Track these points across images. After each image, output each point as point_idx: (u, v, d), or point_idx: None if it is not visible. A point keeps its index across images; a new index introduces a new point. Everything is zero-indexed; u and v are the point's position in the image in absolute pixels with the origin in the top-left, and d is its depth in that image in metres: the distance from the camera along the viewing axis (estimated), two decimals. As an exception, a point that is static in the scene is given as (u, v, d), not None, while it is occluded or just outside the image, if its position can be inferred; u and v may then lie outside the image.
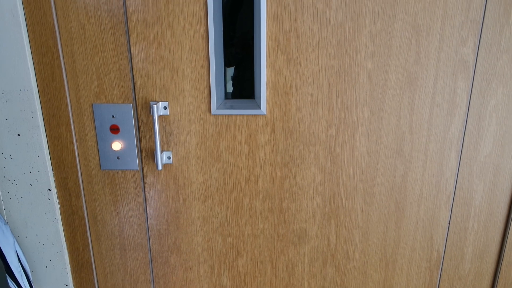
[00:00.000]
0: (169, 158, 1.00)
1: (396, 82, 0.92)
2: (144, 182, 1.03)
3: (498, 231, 1.04)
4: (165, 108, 0.96)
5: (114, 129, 0.98)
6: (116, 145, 0.98)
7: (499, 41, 0.88)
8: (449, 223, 1.04)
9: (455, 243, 1.06)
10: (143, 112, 0.97)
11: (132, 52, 0.93)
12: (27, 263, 1.08)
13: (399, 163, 0.99)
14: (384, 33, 0.89)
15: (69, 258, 1.10)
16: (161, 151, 0.99)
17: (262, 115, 0.96)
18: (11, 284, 1.00)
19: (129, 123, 0.97)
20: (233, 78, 1.28)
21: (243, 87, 1.24)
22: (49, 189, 1.01)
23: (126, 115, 0.97)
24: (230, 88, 1.26)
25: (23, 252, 1.06)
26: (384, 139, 0.97)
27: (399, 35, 0.89)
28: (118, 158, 1.00)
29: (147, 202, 1.05)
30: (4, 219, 1.04)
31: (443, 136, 0.96)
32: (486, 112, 0.94)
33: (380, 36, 0.89)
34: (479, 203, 1.02)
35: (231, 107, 0.96)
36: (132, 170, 1.02)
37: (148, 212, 1.06)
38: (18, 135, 0.97)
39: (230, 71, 1.26)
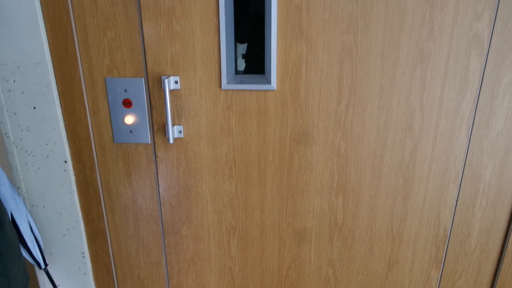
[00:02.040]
0: (180, 132, 1.02)
1: (408, 57, 0.91)
2: (156, 156, 1.06)
3: (507, 208, 1.04)
4: (176, 82, 0.97)
5: (127, 103, 0.99)
6: (129, 119, 1.00)
7: (516, 15, 0.86)
8: (456, 200, 1.04)
9: (462, 219, 1.07)
10: (155, 86, 0.98)
11: (143, 27, 0.93)
12: (44, 231, 1.13)
13: (408, 140, 0.99)
14: (397, 7, 0.87)
15: (84, 228, 1.15)
16: (173, 125, 1.00)
17: (272, 90, 0.97)
18: (24, 253, 1.05)
19: (141, 97, 0.99)
20: (245, 55, 1.28)
21: (255, 64, 1.24)
22: (65, 161, 1.05)
23: (138, 89, 0.98)
24: (241, 66, 1.26)
25: (35, 222, 1.11)
26: (394, 115, 0.97)
27: (412, 9, 0.87)
28: (130, 131, 1.02)
29: (158, 175, 1.08)
30: (22, 189, 1.08)
31: (454, 113, 0.95)
32: (499, 89, 0.92)
33: (393, 10, 0.88)
34: (489, 180, 1.02)
35: (241, 82, 0.96)
36: (144, 143, 1.04)
37: (160, 184, 1.09)
38: (34, 108, 0.99)
39: (242, 48, 1.26)
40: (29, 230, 1.04)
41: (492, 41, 0.88)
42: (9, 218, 0.97)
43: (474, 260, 1.11)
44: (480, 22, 0.87)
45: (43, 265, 1.10)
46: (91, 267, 1.20)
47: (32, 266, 1.18)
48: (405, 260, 1.13)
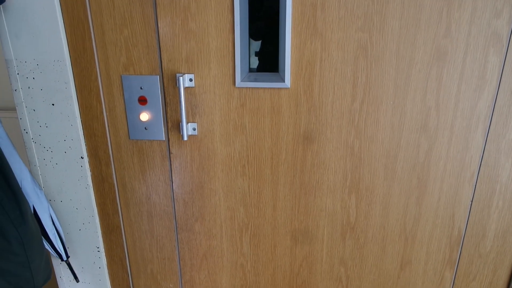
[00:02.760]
0: (194, 129, 1.03)
1: (424, 56, 0.90)
2: (170, 152, 1.07)
3: (524, 210, 1.03)
4: (190, 80, 0.98)
5: (142, 100, 1.01)
6: (144, 116, 1.02)
7: (536, 13, 0.84)
8: (472, 201, 1.03)
9: (477, 220, 1.05)
10: (169, 84, 1.00)
11: (159, 25, 0.94)
12: (61, 226, 1.16)
13: (423, 139, 0.98)
14: (414, 4, 0.86)
15: (100, 222, 1.17)
16: (187, 123, 1.02)
17: (286, 88, 0.97)
18: (46, 245, 1.08)
19: (156, 95, 1.00)
20: (258, 53, 1.28)
21: (268, 62, 1.24)
22: (81, 157, 1.07)
23: (153, 86, 0.99)
24: (254, 64, 1.26)
25: (56, 216, 1.13)
26: (409, 114, 0.96)
27: (429, 6, 0.86)
28: (145, 128, 1.04)
29: (172, 172, 1.09)
30: (40, 184, 1.11)
31: (470, 112, 0.94)
32: (517, 88, 0.91)
33: (409, 7, 0.87)
34: (506, 181, 1.00)
35: (255, 80, 0.96)
36: (159, 140, 1.06)
37: (173, 181, 1.11)
38: (53, 104, 1.02)
39: (255, 46, 1.26)
40: (51, 223, 1.07)
41: (511, 39, 0.87)
42: (31, 211, 1.00)
43: (489, 262, 1.10)
44: (499, 19, 0.85)
45: (65, 257, 1.13)
46: (106, 262, 1.22)
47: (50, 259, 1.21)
48: (418, 260, 1.12)
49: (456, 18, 0.86)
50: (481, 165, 0.99)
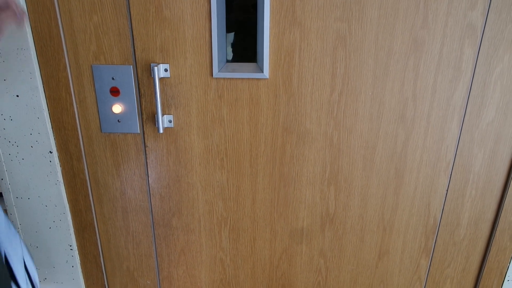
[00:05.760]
0: (170, 121, 1.00)
1: (402, 46, 0.90)
2: (145, 146, 1.03)
3: (495, 198, 1.06)
4: (166, 70, 0.94)
5: (114, 91, 0.96)
6: (117, 108, 0.97)
7: (509, 4, 0.86)
8: (447, 190, 1.05)
9: (452, 209, 1.08)
10: (144, 74, 0.95)
11: (131, 11, 0.90)
12: (25, 226, 1.08)
13: (400, 130, 0.99)
14: (392, -6, 0.86)
15: (72, 220, 1.12)
16: (162, 115, 0.98)
17: (265, 79, 0.95)
18: None
19: (129, 86, 0.96)
20: (233, 45, 1.25)
21: (244, 53, 1.21)
22: (50, 152, 1.01)
23: (126, 77, 0.95)
24: (229, 56, 1.23)
25: (31, 257, 1.01)
26: (387, 105, 0.96)
27: (407, -4, 0.86)
28: (118, 121, 0.99)
29: (148, 166, 1.06)
30: (6, 182, 1.04)
31: (446, 102, 0.95)
32: (491, 79, 0.92)
33: (388, -3, 0.86)
34: (478, 170, 1.03)
35: (233, 70, 0.94)
36: (133, 133, 1.01)
37: (149, 175, 1.07)
38: (17, 96, 0.96)
39: (229, 37, 1.23)
40: (23, 271, 0.94)
41: (485, 30, 0.88)
42: (2, 258, 0.88)
43: (462, 249, 1.13)
44: (474, 10, 0.86)
45: None
46: (79, 260, 1.17)
47: None
48: (395, 249, 1.14)
49: (434, 8, 0.86)
50: (456, 154, 1.01)
